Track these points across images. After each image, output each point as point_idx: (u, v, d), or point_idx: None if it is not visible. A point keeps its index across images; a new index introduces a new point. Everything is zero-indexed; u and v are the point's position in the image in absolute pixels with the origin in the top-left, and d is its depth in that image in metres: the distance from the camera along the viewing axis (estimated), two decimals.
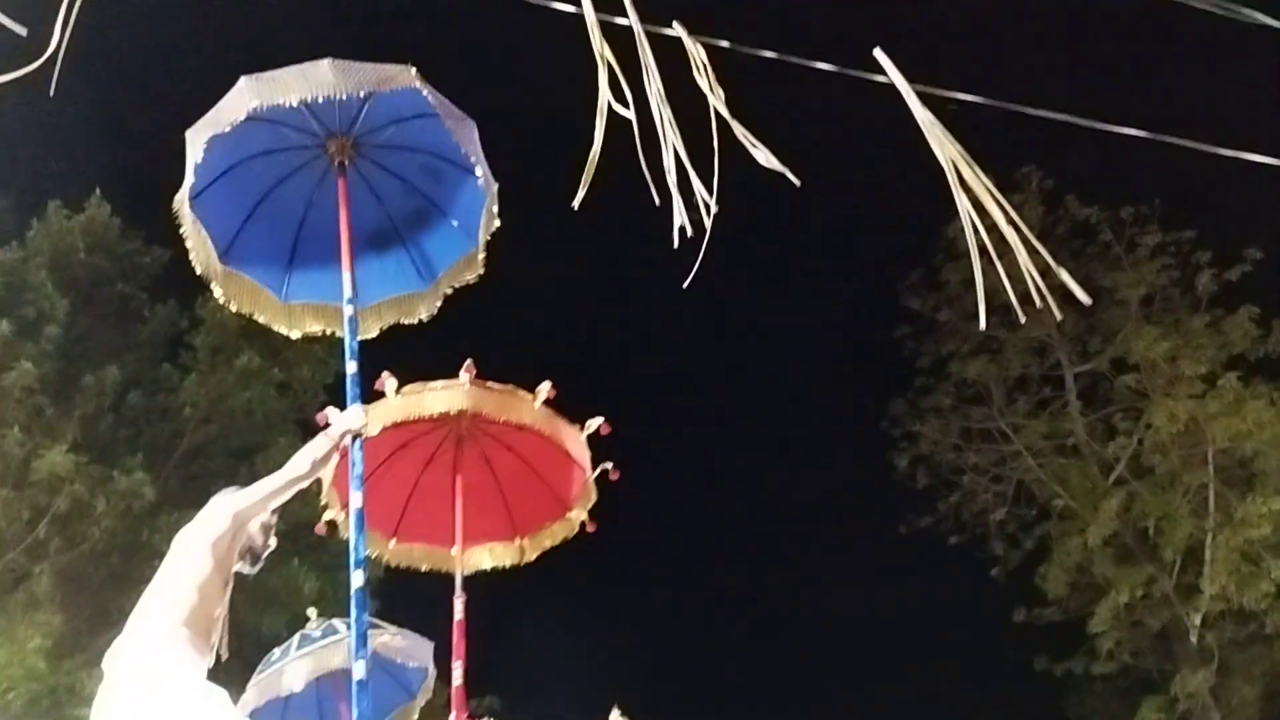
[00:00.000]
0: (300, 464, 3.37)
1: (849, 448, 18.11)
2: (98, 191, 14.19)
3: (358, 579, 3.41)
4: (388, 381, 4.63)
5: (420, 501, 5.17)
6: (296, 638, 5.55)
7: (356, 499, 3.53)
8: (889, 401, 17.36)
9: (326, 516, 5.12)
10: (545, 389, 4.99)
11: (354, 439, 3.57)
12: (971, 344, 16.87)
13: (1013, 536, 16.51)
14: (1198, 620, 14.48)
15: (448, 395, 4.82)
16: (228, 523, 3.21)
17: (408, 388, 4.83)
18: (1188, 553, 14.65)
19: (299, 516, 8.98)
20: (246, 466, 12.26)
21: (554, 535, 5.38)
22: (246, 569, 3.32)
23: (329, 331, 4.18)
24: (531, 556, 5.44)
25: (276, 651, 5.78)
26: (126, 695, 2.92)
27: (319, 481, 5.08)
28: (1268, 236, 15.22)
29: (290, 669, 5.30)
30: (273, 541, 3.41)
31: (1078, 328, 16.71)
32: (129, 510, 12.25)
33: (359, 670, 3.29)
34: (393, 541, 5.28)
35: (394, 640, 5.41)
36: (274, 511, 3.37)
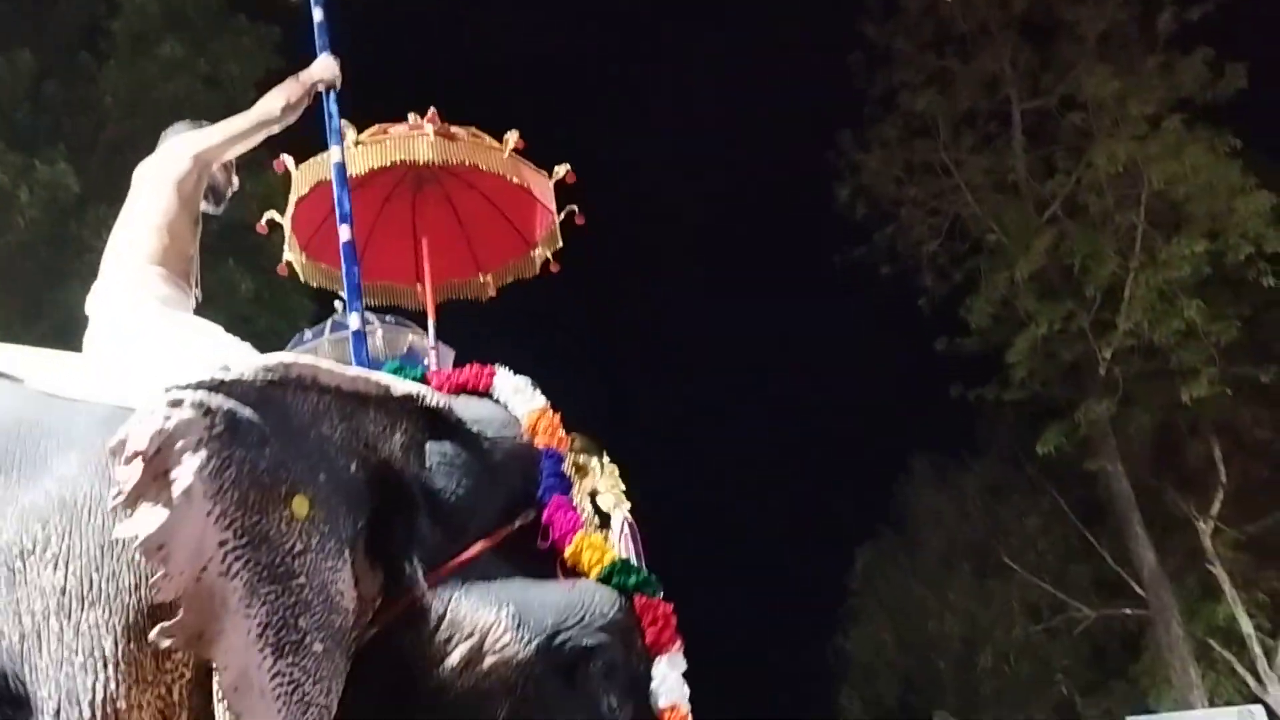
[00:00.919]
0: (271, 105, 3.19)
1: (793, 176, 18.16)
2: None
3: (343, 233, 3.46)
4: (346, 131, 4.40)
5: (380, 239, 5.07)
6: (329, 324, 5.52)
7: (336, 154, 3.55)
8: (835, 132, 17.34)
9: (267, 217, 5.04)
10: (513, 138, 4.84)
11: (327, 92, 3.46)
12: (923, 75, 16.71)
13: (943, 269, 16.93)
14: (1108, 354, 15.21)
15: (411, 143, 4.63)
16: (189, 164, 3.05)
17: (367, 134, 4.63)
18: (1108, 291, 15.18)
19: (233, 218, 8.83)
20: None
21: (517, 271, 5.37)
22: (211, 209, 3.20)
23: None
24: (492, 292, 5.45)
25: (309, 333, 5.74)
26: (113, 338, 2.84)
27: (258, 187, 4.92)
28: None
29: (324, 349, 5.29)
30: (235, 181, 3.30)
31: (1031, 63, 16.54)
32: (54, 201, 12.09)
33: (354, 321, 3.44)
34: None
35: (422, 340, 5.43)
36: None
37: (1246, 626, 14.50)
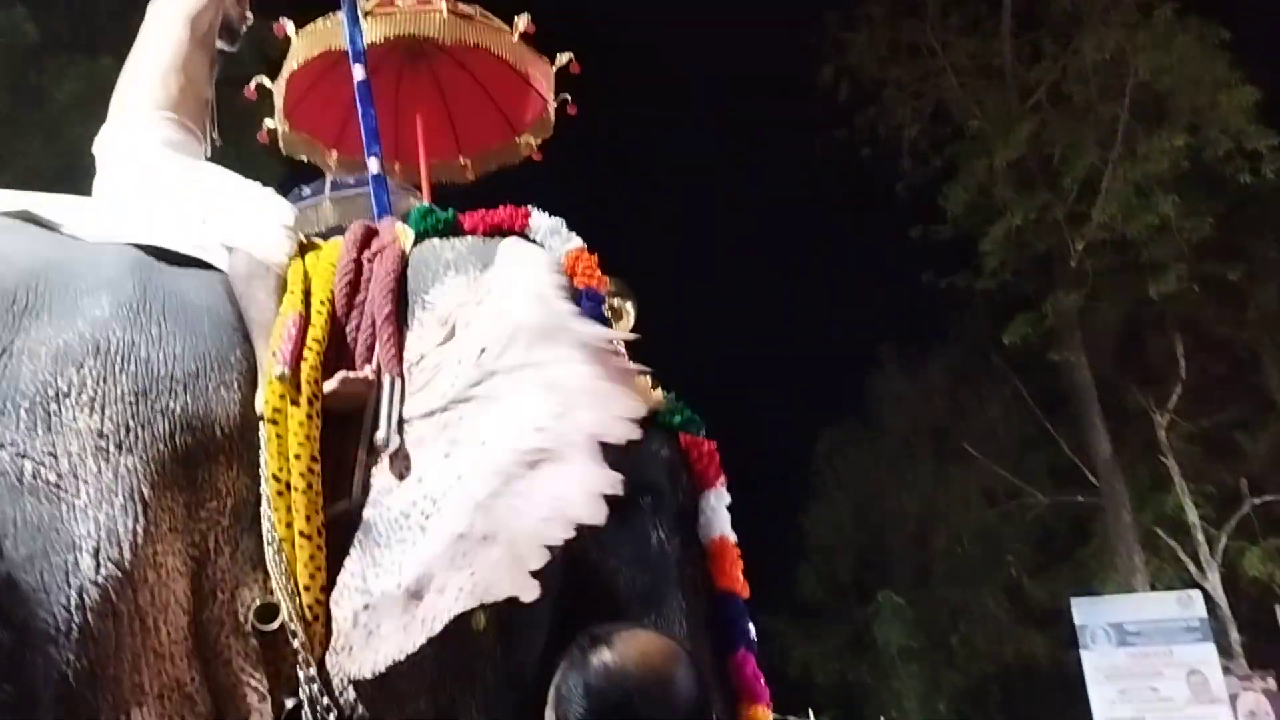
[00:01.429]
0: None
1: (776, 56, 17.78)
2: None
3: (357, 73, 3.48)
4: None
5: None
6: (327, 182, 5.40)
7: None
8: (823, 12, 16.93)
9: (256, 82, 4.86)
10: (523, 22, 4.63)
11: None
12: None
13: (923, 154, 16.79)
14: (1080, 246, 15.28)
15: (422, 18, 4.42)
16: None
17: (374, 3, 4.41)
18: (1085, 182, 15.16)
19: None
20: (136, 11, 11.47)
21: (500, 158, 5.23)
22: (226, 47, 3.12)
23: None
24: (471, 176, 5.31)
25: (306, 189, 5.61)
26: (124, 182, 2.81)
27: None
28: None
29: (325, 207, 5.14)
30: (250, 16, 3.21)
31: None
32: (13, 49, 11.68)
33: (373, 165, 3.44)
34: (334, 153, 5.06)
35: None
36: None
37: (1192, 516, 14.98)
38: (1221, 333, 15.26)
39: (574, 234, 2.70)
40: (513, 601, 2.07)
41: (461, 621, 2.09)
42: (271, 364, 2.34)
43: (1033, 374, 16.15)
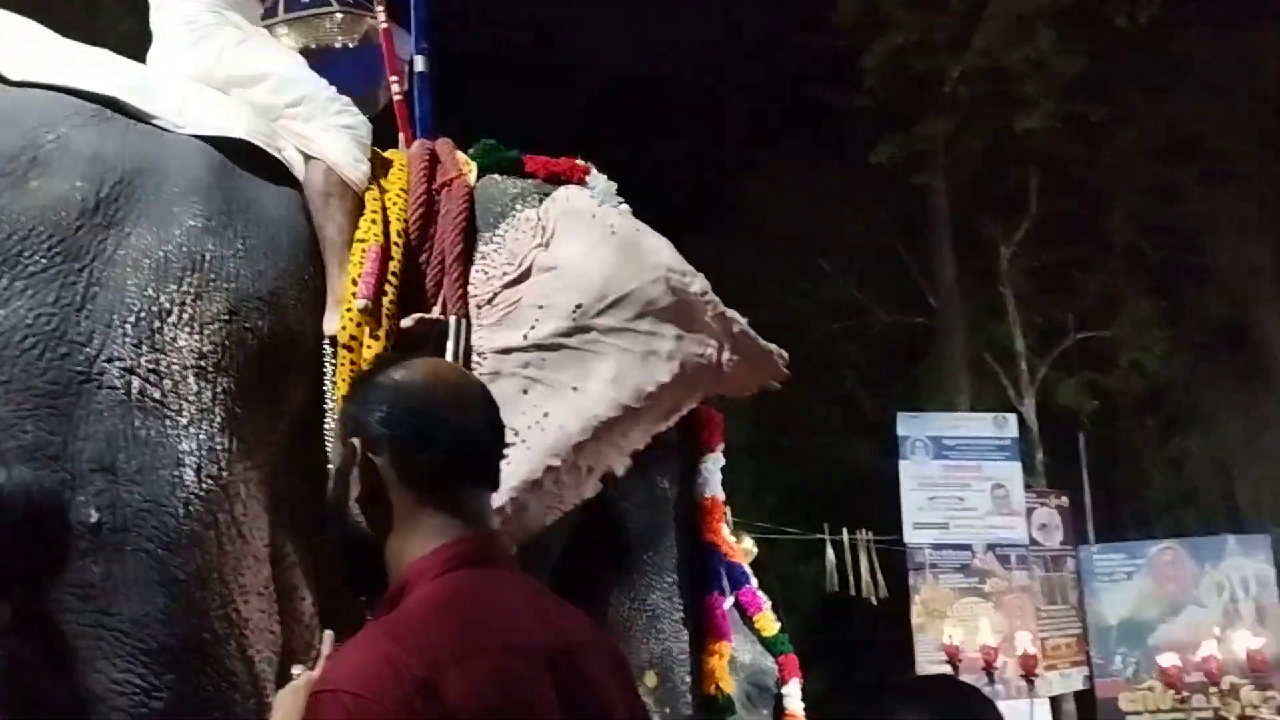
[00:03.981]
0: None
1: None
2: None
3: None
4: None
5: None
6: (279, 2, 4.95)
7: None
8: None
9: None
10: None
11: None
12: None
13: None
14: (956, 73, 15.41)
15: None
16: None
17: None
18: (970, 9, 15.14)
19: None
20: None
21: None
22: None
23: None
24: None
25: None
26: (188, 52, 2.79)
27: None
28: None
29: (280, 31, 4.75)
30: None
31: None
32: None
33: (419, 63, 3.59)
34: None
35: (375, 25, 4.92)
36: None
37: (1019, 345, 15.86)
38: (1076, 173, 15.77)
39: (623, 201, 2.93)
40: (536, 537, 2.52)
41: None
42: (351, 292, 2.48)
43: (893, 196, 16.47)
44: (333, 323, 2.48)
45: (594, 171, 2.95)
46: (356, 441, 1.41)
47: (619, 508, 2.81)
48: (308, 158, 2.66)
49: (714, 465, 3.07)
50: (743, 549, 3.96)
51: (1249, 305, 16.64)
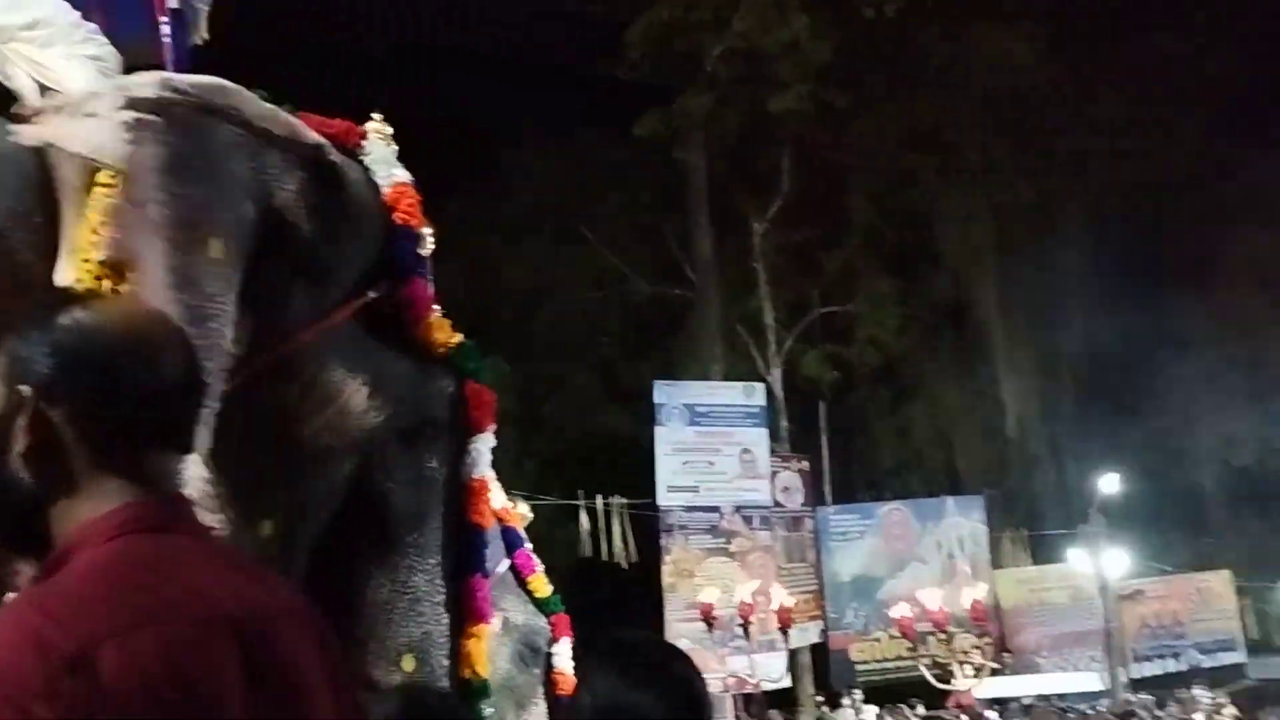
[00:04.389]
0: None
1: None
2: None
3: None
4: None
5: None
6: None
7: None
8: None
9: None
10: None
11: None
12: None
13: None
14: (716, 52, 15.87)
15: None
16: None
17: None
18: None
19: None
20: None
21: None
22: None
23: None
24: None
25: None
26: None
27: None
28: None
29: None
30: None
31: None
32: None
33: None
34: None
35: None
36: None
37: (769, 318, 16.62)
38: (824, 156, 16.62)
39: (403, 168, 2.84)
40: (291, 515, 2.42)
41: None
42: (90, 241, 2.23)
43: (654, 169, 16.81)
44: (67, 274, 2.19)
45: (373, 136, 2.81)
46: (26, 389, 1.23)
47: (384, 487, 2.74)
48: (44, 88, 2.38)
49: (483, 445, 3.01)
50: (519, 514, 3.97)
51: (971, 287, 18.15)
